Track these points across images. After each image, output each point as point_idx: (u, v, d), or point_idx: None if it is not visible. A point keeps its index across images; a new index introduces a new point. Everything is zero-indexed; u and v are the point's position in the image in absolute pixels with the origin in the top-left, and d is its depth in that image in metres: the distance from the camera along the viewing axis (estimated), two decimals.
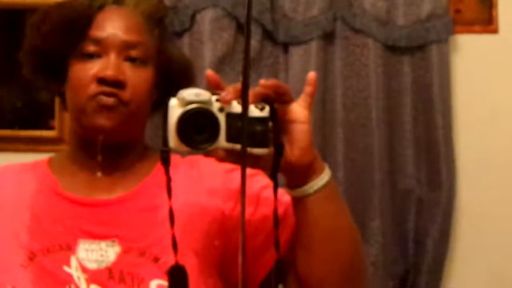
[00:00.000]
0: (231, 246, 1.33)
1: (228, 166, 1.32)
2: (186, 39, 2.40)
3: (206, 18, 2.38)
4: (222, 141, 1.10)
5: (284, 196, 1.24)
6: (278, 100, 1.14)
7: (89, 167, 1.40)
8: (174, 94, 1.12)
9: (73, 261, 1.29)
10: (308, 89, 1.19)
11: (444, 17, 2.44)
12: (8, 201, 1.38)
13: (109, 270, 1.28)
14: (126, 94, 1.34)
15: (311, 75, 1.21)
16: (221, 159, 1.12)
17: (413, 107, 2.43)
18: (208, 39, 2.37)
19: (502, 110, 2.50)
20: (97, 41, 1.36)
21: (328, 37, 2.41)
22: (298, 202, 1.21)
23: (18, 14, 2.50)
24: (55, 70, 1.39)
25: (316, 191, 1.19)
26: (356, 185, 2.38)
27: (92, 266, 1.29)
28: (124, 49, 1.36)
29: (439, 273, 2.43)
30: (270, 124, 1.12)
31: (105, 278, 1.28)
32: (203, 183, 1.37)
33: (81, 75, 1.35)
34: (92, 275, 1.28)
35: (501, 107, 2.50)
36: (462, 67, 2.50)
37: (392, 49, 2.44)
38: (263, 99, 1.12)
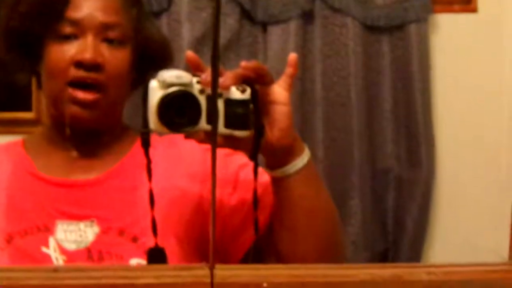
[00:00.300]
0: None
1: (206, 145, 1.31)
2: (164, 19, 2.38)
3: None
4: (203, 123, 1.09)
5: (263, 176, 1.23)
6: (259, 82, 1.14)
7: (65, 147, 1.39)
8: (152, 74, 1.11)
9: (52, 242, 1.29)
10: (288, 70, 1.19)
11: None
12: None
13: (88, 250, 1.28)
14: (104, 77, 1.32)
15: (292, 56, 1.21)
16: (202, 141, 1.11)
17: (392, 86, 2.43)
18: (186, 19, 2.35)
19: (481, 89, 2.50)
20: (74, 22, 1.34)
21: (307, 16, 2.40)
22: (278, 183, 1.22)
23: None
24: (30, 51, 1.38)
25: (296, 172, 1.20)
26: (336, 164, 2.38)
27: (70, 247, 1.28)
28: (102, 30, 1.35)
29: (419, 251, 2.44)
30: (251, 106, 1.12)
31: (84, 258, 1.27)
32: (183, 165, 1.36)
33: (57, 57, 1.33)
34: (70, 256, 1.28)
35: (480, 86, 2.50)
36: (441, 46, 2.50)
37: (371, 28, 2.43)
38: (244, 81, 1.12)
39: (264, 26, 2.41)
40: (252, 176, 1.15)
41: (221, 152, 1.30)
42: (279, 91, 1.17)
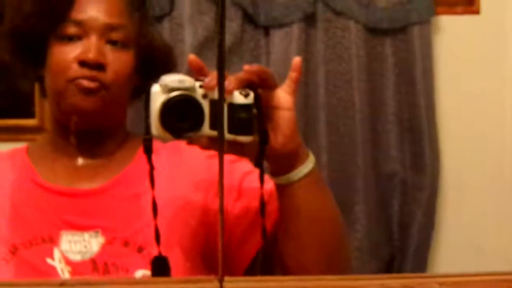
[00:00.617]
0: (214, 237, 1.32)
1: (209, 152, 1.30)
2: (166, 24, 2.37)
3: (186, 1, 2.35)
4: (205, 128, 1.08)
5: (267, 183, 1.22)
6: (262, 86, 1.13)
7: (69, 154, 1.38)
8: (155, 80, 1.10)
9: (56, 253, 1.28)
10: (292, 74, 1.18)
11: None
12: None
13: (93, 262, 1.27)
14: (107, 77, 1.32)
15: (296, 60, 1.19)
16: (205, 147, 1.10)
17: (395, 90, 2.42)
18: (188, 23, 2.34)
19: (484, 91, 2.49)
20: (78, 23, 1.34)
21: (309, 20, 2.39)
22: (282, 190, 1.20)
23: None
24: (34, 53, 1.37)
25: (300, 179, 1.18)
26: (340, 169, 2.37)
27: (75, 258, 1.27)
28: (106, 32, 1.34)
29: (425, 256, 2.43)
30: (255, 110, 1.10)
31: (89, 270, 1.26)
32: (187, 174, 1.35)
33: (61, 58, 1.33)
34: (76, 267, 1.26)
35: (483, 88, 2.50)
36: (444, 48, 2.49)
37: (374, 31, 2.43)
38: (247, 85, 1.10)
39: (266, 30, 2.40)
40: (258, 183, 1.13)
41: (225, 158, 1.29)
42: (283, 95, 1.15)
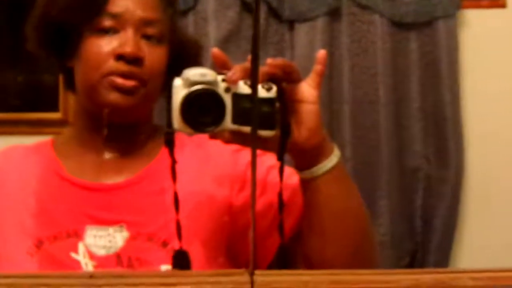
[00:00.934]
0: (237, 230, 1.31)
1: (234, 146, 1.30)
2: (190, 18, 2.37)
3: None
4: (228, 122, 1.07)
5: (292, 177, 1.21)
6: (286, 80, 1.12)
7: (96, 148, 1.37)
8: (178, 74, 1.09)
9: (81, 247, 1.27)
10: (317, 67, 1.16)
11: None
12: (13, 187, 1.35)
13: (118, 256, 1.26)
14: (144, 73, 1.31)
15: (321, 53, 1.18)
16: (227, 141, 1.09)
17: (420, 84, 2.41)
18: (212, 18, 2.34)
19: (510, 85, 2.48)
20: (114, 16, 1.33)
21: (334, 14, 2.39)
22: (306, 184, 1.19)
23: None
24: (65, 44, 1.37)
25: (325, 173, 1.17)
26: (364, 163, 2.37)
27: (100, 252, 1.27)
28: (141, 26, 1.33)
29: (448, 251, 2.42)
30: (277, 104, 1.10)
31: (114, 265, 1.26)
32: (211, 168, 1.35)
33: (96, 51, 1.31)
34: (100, 262, 1.26)
35: (509, 82, 2.48)
36: (470, 42, 2.48)
37: (399, 25, 2.42)
38: (270, 79, 1.10)
39: (291, 24, 2.40)
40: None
41: (250, 153, 1.29)
42: (307, 89, 1.14)
